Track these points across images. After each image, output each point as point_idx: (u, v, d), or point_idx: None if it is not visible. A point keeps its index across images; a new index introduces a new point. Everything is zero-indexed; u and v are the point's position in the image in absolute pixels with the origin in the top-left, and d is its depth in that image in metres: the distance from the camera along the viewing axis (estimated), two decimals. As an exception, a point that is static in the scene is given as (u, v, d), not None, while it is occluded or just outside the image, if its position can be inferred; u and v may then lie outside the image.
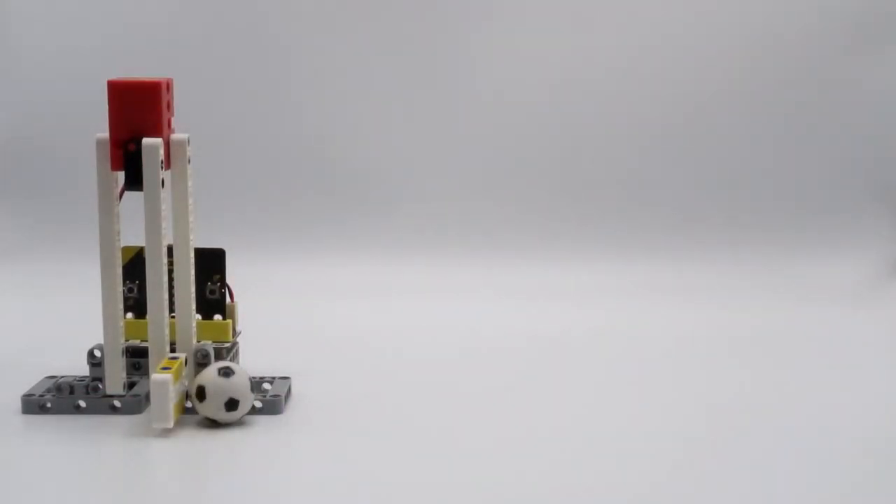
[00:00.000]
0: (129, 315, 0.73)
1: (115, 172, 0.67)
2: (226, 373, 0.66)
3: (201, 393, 0.66)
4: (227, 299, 0.74)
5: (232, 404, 0.66)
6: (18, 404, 0.69)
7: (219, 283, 0.73)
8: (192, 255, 0.70)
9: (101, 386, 0.69)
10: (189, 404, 0.68)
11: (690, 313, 1.00)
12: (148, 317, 0.68)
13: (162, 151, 0.66)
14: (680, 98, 1.18)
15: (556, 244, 1.15)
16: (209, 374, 0.66)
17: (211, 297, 0.73)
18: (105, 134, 0.67)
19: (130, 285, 0.73)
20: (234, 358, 0.75)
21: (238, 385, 0.66)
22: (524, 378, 0.80)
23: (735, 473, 0.60)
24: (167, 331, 0.69)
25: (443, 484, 0.58)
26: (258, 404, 0.69)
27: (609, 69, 1.18)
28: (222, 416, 0.66)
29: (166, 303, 0.68)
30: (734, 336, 0.93)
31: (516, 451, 0.64)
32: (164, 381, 0.64)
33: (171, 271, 0.69)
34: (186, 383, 0.68)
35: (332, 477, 0.59)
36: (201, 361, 0.69)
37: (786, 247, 1.15)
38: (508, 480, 0.59)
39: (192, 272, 0.70)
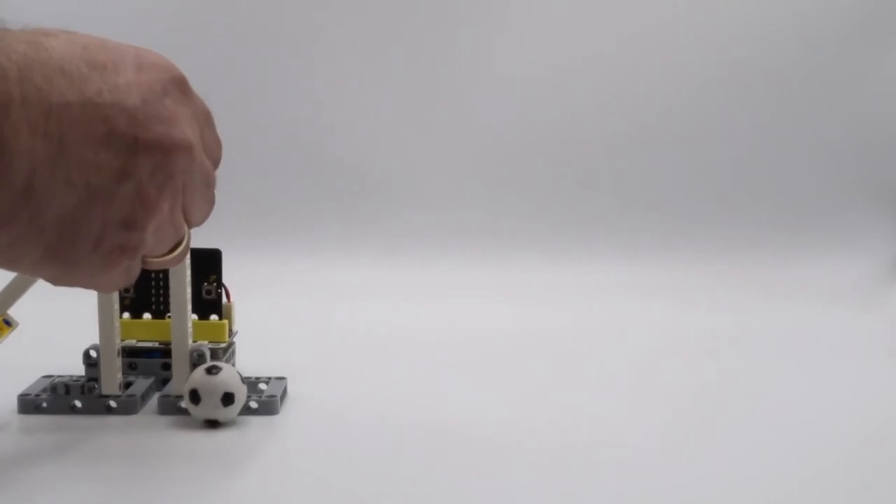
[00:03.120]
0: (126, 315, 0.73)
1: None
2: (213, 371, 0.66)
3: (195, 396, 0.66)
4: (224, 299, 0.74)
5: (228, 398, 0.66)
6: (14, 404, 0.69)
7: (215, 284, 0.73)
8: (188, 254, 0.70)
9: (96, 386, 0.69)
10: (183, 404, 0.68)
11: (688, 313, 1.00)
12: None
13: None
14: (678, 98, 1.18)
15: (556, 244, 1.15)
16: (198, 376, 0.66)
17: (207, 297, 0.73)
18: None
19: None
20: (231, 358, 0.75)
21: (229, 379, 0.66)
22: (524, 378, 0.80)
23: (731, 472, 0.60)
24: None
25: (441, 484, 0.58)
26: (254, 405, 0.69)
27: (607, 70, 1.19)
28: (221, 413, 0.66)
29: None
30: (733, 336, 0.93)
31: (515, 450, 0.64)
32: None
33: (167, 271, 0.69)
34: None
35: (330, 477, 0.59)
36: (197, 362, 0.69)
37: (785, 247, 1.15)
38: (507, 480, 0.59)
39: (189, 272, 0.70)
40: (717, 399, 0.75)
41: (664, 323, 0.97)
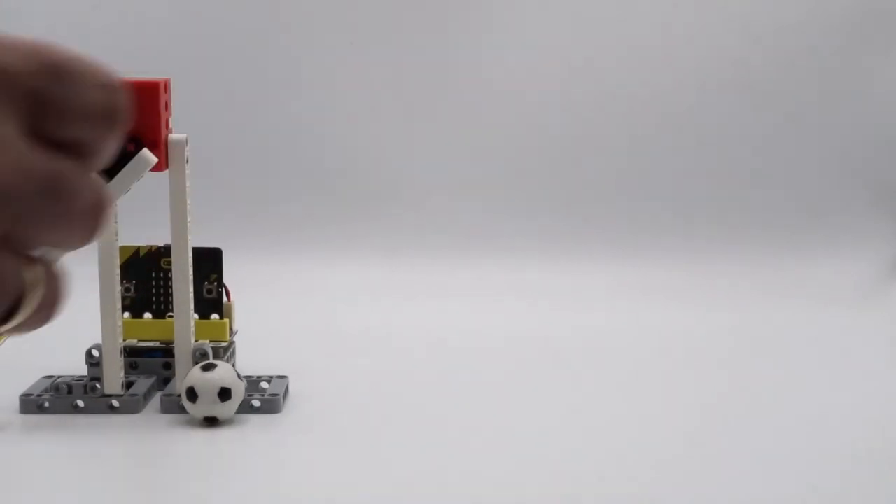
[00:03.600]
0: (127, 315, 0.73)
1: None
2: (209, 367, 0.66)
3: (192, 393, 0.66)
4: (224, 298, 0.74)
5: (225, 393, 0.66)
6: (16, 404, 0.69)
7: (216, 283, 0.74)
8: (189, 254, 0.70)
9: (99, 385, 0.69)
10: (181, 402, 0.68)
11: (689, 314, 1.00)
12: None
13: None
14: (679, 98, 1.18)
15: (555, 244, 1.15)
16: (194, 374, 0.66)
17: (208, 296, 0.74)
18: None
19: (128, 285, 0.73)
20: (231, 357, 0.75)
21: (225, 375, 0.66)
22: (523, 377, 0.80)
23: (731, 472, 0.60)
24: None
25: (440, 482, 0.58)
26: (256, 403, 0.69)
27: (608, 69, 1.18)
28: (218, 409, 0.66)
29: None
30: (733, 336, 0.93)
31: (515, 450, 0.64)
32: None
33: (168, 271, 0.69)
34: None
35: (331, 476, 0.59)
36: (199, 361, 0.69)
37: (785, 247, 1.15)
38: (507, 478, 0.59)
39: (190, 272, 0.70)
40: (716, 399, 0.75)
41: (664, 323, 0.97)
